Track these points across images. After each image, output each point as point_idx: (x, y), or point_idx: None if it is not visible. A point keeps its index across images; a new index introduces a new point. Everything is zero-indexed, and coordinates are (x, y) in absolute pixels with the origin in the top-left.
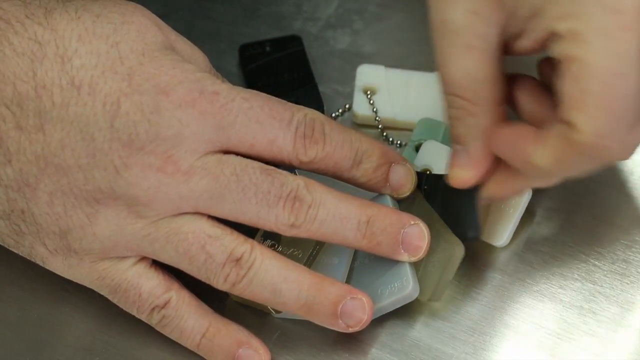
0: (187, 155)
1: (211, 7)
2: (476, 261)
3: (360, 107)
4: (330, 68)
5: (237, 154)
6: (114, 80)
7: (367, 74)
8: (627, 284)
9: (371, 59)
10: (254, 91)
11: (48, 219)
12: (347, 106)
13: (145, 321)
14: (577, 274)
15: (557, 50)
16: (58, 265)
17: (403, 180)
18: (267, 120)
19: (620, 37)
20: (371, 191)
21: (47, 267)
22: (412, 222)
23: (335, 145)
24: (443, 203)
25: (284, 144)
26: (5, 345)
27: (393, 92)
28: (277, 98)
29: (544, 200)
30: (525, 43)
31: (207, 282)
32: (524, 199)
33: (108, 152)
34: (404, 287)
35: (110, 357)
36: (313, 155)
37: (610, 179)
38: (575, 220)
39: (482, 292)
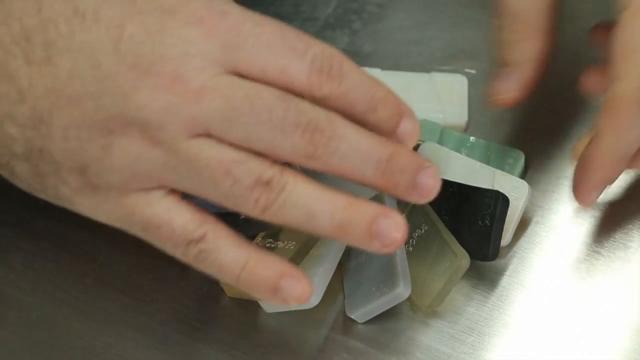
0: (196, 74)
1: None
2: (475, 261)
3: None
4: None
5: (250, 79)
6: (117, 5)
7: None
8: (627, 283)
9: (370, 60)
10: (268, 18)
11: (65, 155)
12: None
13: (181, 257)
14: (577, 274)
15: None
16: (85, 205)
17: (410, 133)
18: (280, 48)
19: None
20: None
21: (76, 210)
22: (427, 164)
23: (352, 86)
24: (454, 212)
25: (297, 74)
26: (4, 345)
27: None
28: (293, 29)
29: (543, 200)
30: None
31: (236, 209)
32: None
33: (115, 77)
34: (394, 286)
35: (109, 358)
36: (328, 91)
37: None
38: (575, 220)
39: (481, 292)
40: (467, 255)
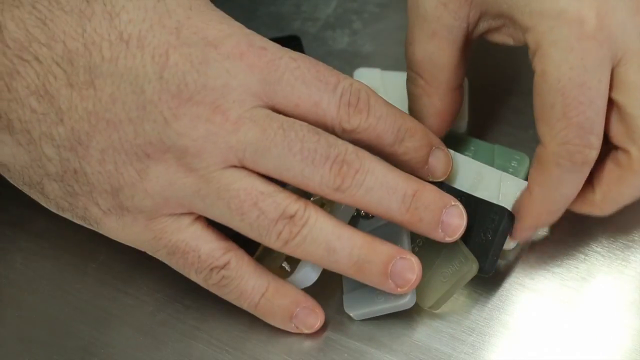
0: (235, 105)
1: None
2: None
3: None
4: None
5: (283, 113)
6: (162, 34)
7: (364, 78)
8: (627, 284)
9: (370, 59)
10: (302, 53)
11: (100, 178)
12: None
13: (202, 283)
14: (577, 274)
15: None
16: (112, 226)
17: (442, 165)
18: (313, 82)
19: (580, 47)
20: (409, 171)
21: (101, 231)
22: (453, 203)
23: (379, 118)
24: None
25: (328, 108)
26: (4, 345)
27: (391, 94)
28: (323, 63)
29: None
30: (498, 38)
31: (259, 240)
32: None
33: (157, 104)
34: (403, 296)
35: (109, 357)
36: (356, 124)
37: None
38: (575, 220)
39: (481, 292)
40: (476, 260)
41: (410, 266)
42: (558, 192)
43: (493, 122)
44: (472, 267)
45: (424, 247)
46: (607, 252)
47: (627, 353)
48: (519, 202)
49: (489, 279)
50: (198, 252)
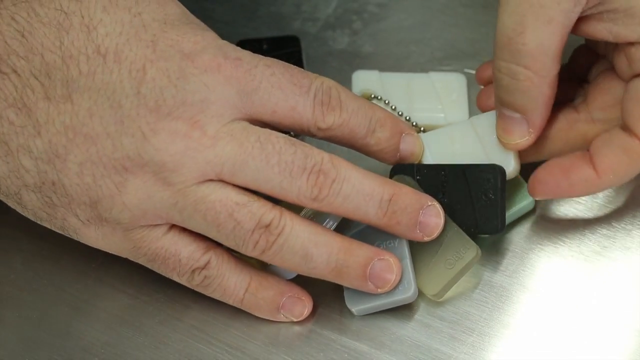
0: (213, 120)
1: (211, 8)
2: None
3: None
4: (329, 68)
5: (260, 122)
6: (138, 47)
7: (363, 80)
8: (627, 284)
9: (370, 60)
10: (274, 59)
11: (78, 190)
12: None
13: (186, 284)
14: (576, 274)
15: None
16: (91, 236)
17: (413, 149)
18: (289, 87)
19: None
20: (381, 160)
21: (80, 240)
22: (430, 203)
23: (351, 113)
24: (451, 193)
25: (303, 111)
26: (4, 345)
27: (391, 95)
28: (295, 66)
29: (543, 200)
30: (594, 29)
31: (237, 249)
32: None
33: (135, 119)
34: (405, 290)
35: (109, 358)
36: (331, 122)
37: None
38: (575, 220)
39: (481, 292)
40: (478, 247)
41: (388, 267)
42: (627, 179)
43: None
44: (476, 253)
45: None
46: (607, 252)
47: (628, 353)
48: (574, 179)
49: (489, 279)
50: (178, 256)
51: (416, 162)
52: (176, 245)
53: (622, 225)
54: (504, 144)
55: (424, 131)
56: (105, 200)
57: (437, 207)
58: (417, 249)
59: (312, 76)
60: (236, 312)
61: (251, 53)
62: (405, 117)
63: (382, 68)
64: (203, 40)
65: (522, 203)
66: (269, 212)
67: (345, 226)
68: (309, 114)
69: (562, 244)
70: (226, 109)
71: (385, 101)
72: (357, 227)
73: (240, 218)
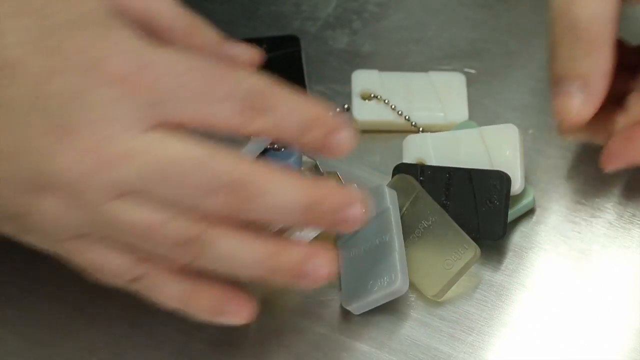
0: (121, 136)
1: (210, 7)
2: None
3: (360, 112)
4: (329, 68)
5: (182, 126)
6: (44, 57)
7: (363, 79)
8: (626, 283)
9: (370, 59)
10: (197, 60)
11: (0, 205)
12: (345, 106)
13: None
14: (576, 274)
15: None
16: (30, 243)
17: (345, 145)
18: (204, 96)
19: None
20: (321, 155)
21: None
22: (353, 200)
23: (282, 115)
24: (455, 197)
25: (225, 117)
26: (5, 345)
27: (391, 95)
28: (226, 65)
29: (543, 200)
30: None
31: (166, 261)
32: None
33: (41, 136)
34: (392, 281)
35: (109, 357)
36: (259, 127)
37: (610, 179)
38: (574, 219)
39: (481, 291)
40: (477, 247)
41: (322, 263)
42: None
43: (493, 121)
44: (475, 253)
45: (424, 236)
46: (606, 251)
47: (627, 353)
48: (632, 133)
49: (489, 279)
50: (109, 267)
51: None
52: (106, 257)
53: (622, 225)
54: (562, 123)
55: (423, 131)
56: (23, 217)
57: (362, 201)
58: (416, 249)
59: (240, 77)
60: None
61: (169, 55)
62: (405, 117)
63: (382, 67)
64: (113, 46)
65: (523, 202)
66: (193, 227)
67: None
68: (232, 120)
69: (561, 243)
70: (135, 122)
71: (385, 100)
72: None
73: (163, 236)
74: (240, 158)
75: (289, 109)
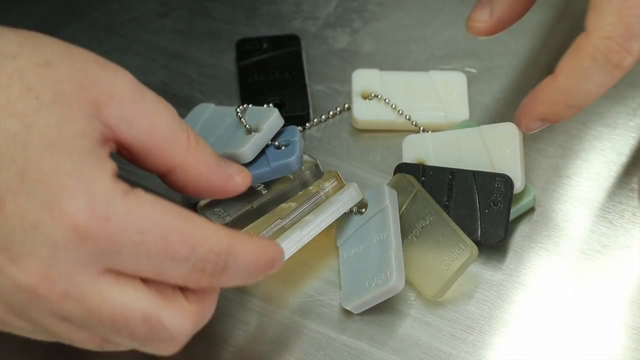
0: (62, 278)
1: (211, 6)
2: (475, 260)
3: (360, 112)
4: (330, 67)
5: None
6: (8, 171)
7: (363, 79)
8: (627, 283)
9: (370, 59)
10: (161, 215)
11: None
12: (346, 106)
13: None
14: (577, 273)
15: None
16: None
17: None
18: (158, 256)
19: None
20: None
21: None
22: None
23: (231, 276)
24: (457, 198)
25: (176, 277)
26: (4, 345)
27: (391, 94)
28: (190, 223)
29: (544, 200)
30: None
31: None
32: None
33: None
34: (387, 279)
35: (108, 357)
36: (206, 284)
37: (609, 178)
38: (575, 219)
39: (481, 291)
40: (475, 246)
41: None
42: (582, 85)
43: (493, 121)
44: (471, 253)
45: (422, 235)
46: (607, 251)
47: (627, 352)
48: (537, 88)
49: (489, 278)
50: (74, 340)
51: None
52: (69, 333)
53: (622, 224)
54: (467, 25)
55: (424, 130)
56: None
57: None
58: (414, 249)
59: (197, 243)
60: (237, 311)
61: (128, 209)
62: (406, 116)
63: (383, 67)
64: (80, 187)
65: (523, 201)
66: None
67: (345, 224)
68: (179, 280)
69: (562, 242)
70: (79, 267)
71: (385, 100)
72: (356, 225)
73: (107, 349)
74: (186, 313)
75: (239, 269)
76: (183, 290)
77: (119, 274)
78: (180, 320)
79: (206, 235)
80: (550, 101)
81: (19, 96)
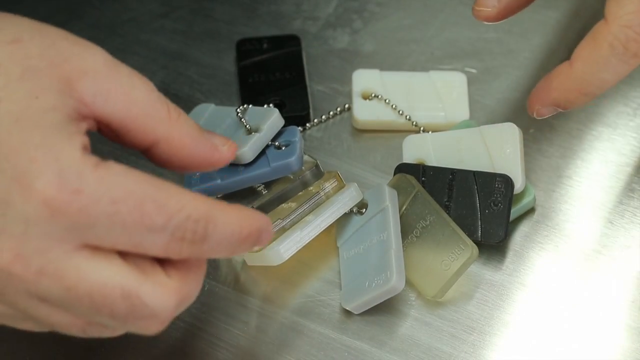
0: (35, 255)
1: (211, 6)
2: (476, 260)
3: (361, 112)
4: (330, 67)
5: (103, 249)
6: None
7: (363, 79)
8: (627, 283)
9: (370, 59)
10: (136, 184)
11: None
12: (346, 106)
13: None
14: (577, 274)
15: None
16: None
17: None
18: (135, 227)
19: None
20: None
21: None
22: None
23: (212, 245)
24: (458, 198)
25: (155, 247)
26: (5, 345)
27: (391, 94)
28: (165, 191)
29: (544, 200)
30: None
31: None
32: None
33: None
34: (387, 279)
35: (109, 357)
36: (187, 254)
37: (609, 178)
38: (575, 219)
39: (482, 291)
40: (475, 245)
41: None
42: (598, 74)
43: (494, 120)
44: (471, 253)
45: (422, 236)
46: (607, 252)
47: (627, 353)
48: (552, 74)
49: (490, 278)
50: (56, 327)
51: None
52: (50, 317)
53: (622, 224)
54: (474, 10)
55: (424, 130)
56: None
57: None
58: (414, 250)
59: (176, 208)
60: (237, 311)
61: (100, 179)
62: (406, 116)
63: (383, 67)
64: (50, 161)
65: (523, 201)
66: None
67: (345, 224)
68: (159, 250)
69: (562, 242)
70: (53, 243)
71: (385, 100)
72: (356, 225)
73: (89, 333)
74: (167, 289)
75: (220, 238)
76: (165, 266)
77: (96, 249)
78: (162, 296)
79: (182, 202)
80: (564, 88)
81: None
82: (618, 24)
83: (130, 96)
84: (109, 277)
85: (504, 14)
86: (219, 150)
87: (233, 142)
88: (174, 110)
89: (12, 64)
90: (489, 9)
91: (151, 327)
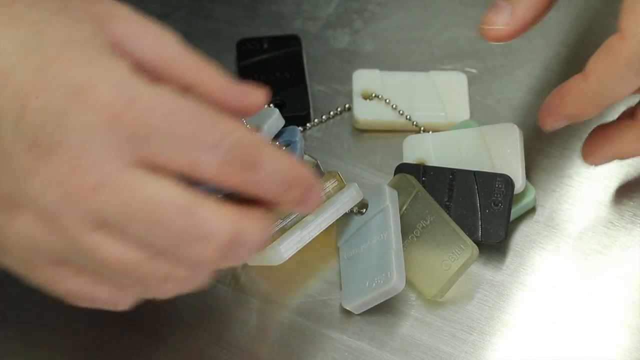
0: (94, 167)
1: (211, 6)
2: (476, 260)
3: (361, 112)
4: (330, 67)
5: (161, 167)
6: (27, 72)
7: (363, 79)
8: (627, 283)
9: (371, 59)
10: (188, 102)
11: None
12: (346, 106)
13: None
14: (577, 274)
15: None
16: (7, 265)
17: (313, 206)
18: (190, 139)
19: None
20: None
21: None
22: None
23: (266, 174)
24: (458, 198)
25: (209, 166)
26: (6, 345)
27: (392, 94)
28: (216, 113)
29: (544, 200)
30: None
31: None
32: None
33: (14, 154)
34: (388, 280)
35: (109, 356)
36: (239, 181)
37: (609, 178)
38: (575, 219)
39: (482, 291)
40: (476, 246)
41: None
42: (614, 88)
43: (494, 120)
44: (471, 253)
45: (423, 236)
46: (607, 252)
47: (627, 353)
48: (564, 88)
49: (490, 278)
50: (95, 299)
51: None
52: (90, 286)
53: (623, 224)
54: (482, 30)
55: (425, 130)
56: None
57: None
58: (415, 249)
59: (228, 130)
60: (237, 311)
61: (157, 92)
62: (406, 116)
63: (383, 67)
64: (99, 72)
65: (524, 201)
66: (170, 270)
67: (346, 224)
68: (212, 172)
69: (562, 242)
70: (109, 154)
71: (386, 100)
72: (356, 225)
73: (137, 275)
74: (220, 210)
75: (274, 169)
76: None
77: (153, 167)
78: (219, 217)
79: (232, 127)
80: (579, 102)
81: (25, 9)
82: (636, 40)
83: (159, 42)
84: (166, 192)
85: (519, 31)
86: (249, 95)
87: (261, 89)
88: (200, 58)
89: (47, 1)
90: (502, 27)
91: (201, 254)
